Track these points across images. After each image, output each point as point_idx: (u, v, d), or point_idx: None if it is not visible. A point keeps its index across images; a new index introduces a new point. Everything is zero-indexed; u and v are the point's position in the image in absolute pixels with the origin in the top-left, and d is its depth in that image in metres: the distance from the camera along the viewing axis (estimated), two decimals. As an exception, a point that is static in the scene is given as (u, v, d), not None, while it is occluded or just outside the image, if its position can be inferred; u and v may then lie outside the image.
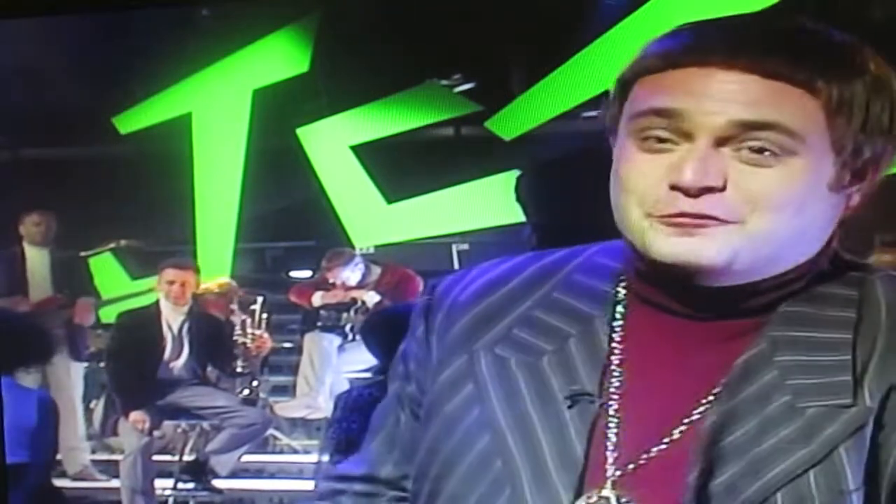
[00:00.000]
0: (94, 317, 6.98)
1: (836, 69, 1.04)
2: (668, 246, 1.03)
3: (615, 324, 1.12)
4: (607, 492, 1.06)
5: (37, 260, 6.81)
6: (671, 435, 1.06)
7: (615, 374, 1.10)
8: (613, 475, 1.07)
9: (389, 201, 7.58)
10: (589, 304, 1.14)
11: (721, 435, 1.05)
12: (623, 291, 1.13)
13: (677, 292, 1.08)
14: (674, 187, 1.03)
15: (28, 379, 5.66)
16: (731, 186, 1.02)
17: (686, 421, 1.06)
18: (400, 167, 7.38)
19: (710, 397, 1.07)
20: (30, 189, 7.17)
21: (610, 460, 1.07)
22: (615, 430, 1.08)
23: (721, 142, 1.02)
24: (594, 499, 1.06)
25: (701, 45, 1.04)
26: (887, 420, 1.04)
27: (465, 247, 7.84)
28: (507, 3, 7.00)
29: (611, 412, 1.09)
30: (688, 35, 1.07)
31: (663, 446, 1.06)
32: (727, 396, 1.06)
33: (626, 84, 1.09)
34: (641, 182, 1.05)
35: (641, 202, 1.05)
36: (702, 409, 1.06)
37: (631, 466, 1.07)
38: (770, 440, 1.03)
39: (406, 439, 1.21)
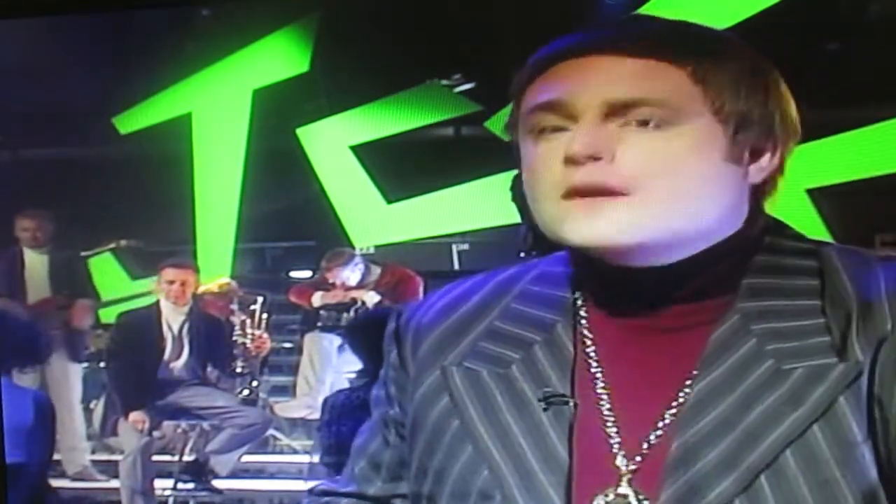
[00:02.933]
0: (93, 319, 6.97)
1: (704, 47, 1.10)
2: (575, 230, 1.08)
3: (582, 323, 1.15)
4: (624, 489, 1.08)
5: (35, 261, 6.81)
6: (664, 420, 1.08)
7: (596, 374, 1.13)
8: (627, 471, 1.08)
9: (389, 201, 7.58)
10: (549, 311, 1.17)
11: (704, 411, 1.06)
12: (580, 295, 1.16)
13: (618, 282, 1.11)
14: (567, 160, 1.07)
15: (26, 379, 5.66)
16: (618, 156, 1.06)
17: (674, 404, 1.09)
18: (400, 167, 7.38)
19: (688, 380, 1.09)
20: (29, 189, 7.16)
21: (619, 458, 1.09)
22: (614, 429, 1.10)
23: (606, 116, 1.07)
24: (611, 497, 1.08)
25: (578, 42, 1.10)
26: (884, 374, 1.06)
27: (465, 247, 7.84)
28: (507, 3, 7.00)
29: (605, 411, 1.11)
30: (565, 40, 1.12)
31: (659, 432, 1.08)
32: (705, 372, 1.08)
33: (519, 93, 1.14)
34: (543, 169, 1.10)
35: (548, 188, 1.09)
36: (686, 390, 1.08)
37: (638, 459, 1.08)
38: (759, 407, 1.05)
39: (393, 460, 1.24)
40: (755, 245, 1.13)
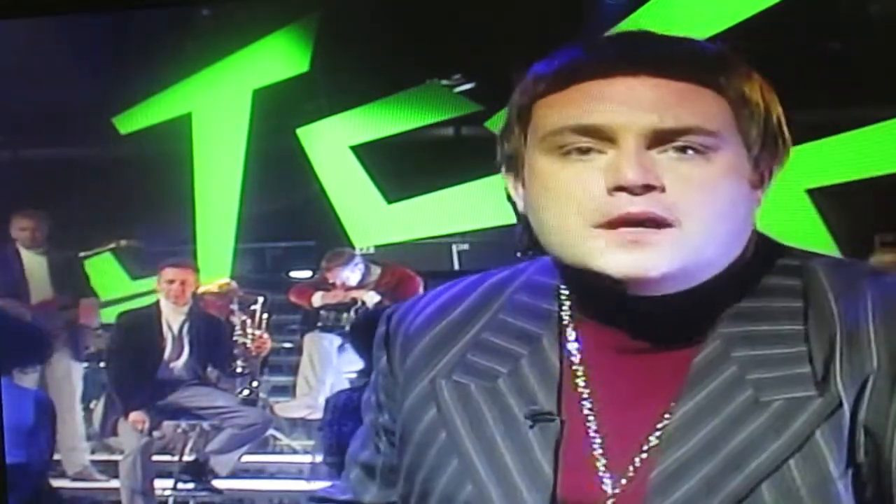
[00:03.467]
0: (98, 317, 6.98)
1: (732, 69, 1.08)
2: (617, 262, 1.03)
3: (569, 339, 1.13)
4: None
5: (33, 261, 6.80)
6: (649, 442, 1.08)
7: (582, 393, 1.11)
8: (612, 494, 1.08)
9: (389, 201, 7.58)
10: (534, 324, 1.15)
11: (687, 435, 1.06)
12: (566, 306, 1.14)
13: (617, 306, 1.09)
14: (617, 188, 1.03)
15: (26, 379, 5.66)
16: (668, 186, 1.03)
17: (659, 427, 1.08)
18: (400, 167, 7.38)
19: (674, 402, 1.08)
20: (29, 189, 7.16)
21: (605, 480, 1.08)
22: (600, 450, 1.09)
23: (648, 143, 1.04)
24: None
25: (599, 58, 1.06)
26: (876, 405, 1.04)
27: (465, 247, 7.84)
28: (507, 3, 6.99)
29: (591, 432, 1.10)
30: (579, 52, 1.08)
31: (644, 455, 1.07)
32: (688, 396, 1.07)
33: (523, 109, 1.10)
34: (578, 189, 1.05)
35: (581, 211, 1.05)
36: (669, 413, 1.07)
37: (623, 482, 1.08)
38: (740, 435, 1.05)
39: (386, 467, 1.24)
40: (748, 267, 1.11)
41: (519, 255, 2.04)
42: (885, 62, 5.84)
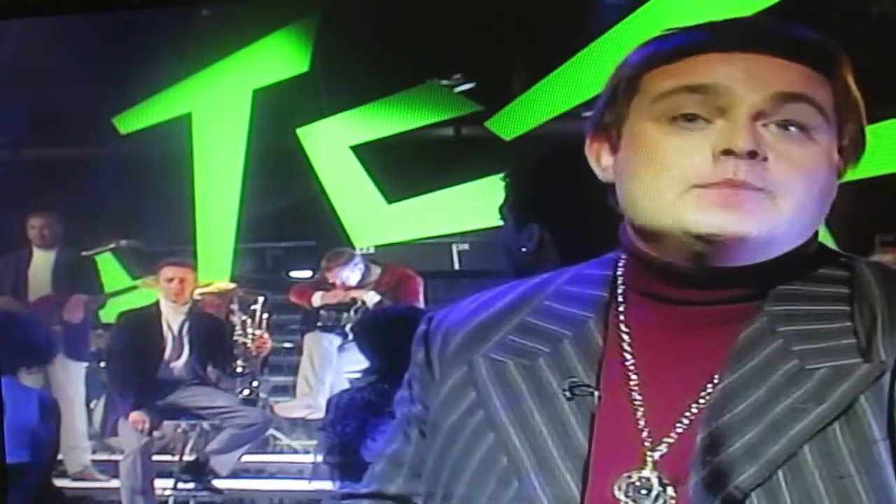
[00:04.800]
0: (84, 314, 6.95)
1: (840, 61, 1.13)
2: (709, 217, 1.07)
3: (620, 324, 1.16)
4: (648, 472, 1.09)
5: (41, 261, 6.82)
6: (690, 411, 1.10)
7: (628, 366, 1.14)
8: (652, 456, 1.10)
9: (389, 201, 7.58)
10: (582, 308, 1.18)
11: (731, 404, 1.08)
12: (620, 293, 1.17)
13: (680, 278, 1.12)
14: (725, 152, 1.06)
15: (29, 379, 5.67)
16: (771, 158, 1.08)
17: (702, 395, 1.10)
18: (400, 167, 7.37)
19: (717, 374, 1.10)
20: (30, 189, 7.17)
21: (646, 443, 1.10)
22: (643, 418, 1.11)
23: (756, 116, 1.07)
24: (634, 478, 1.09)
25: (719, 37, 1.11)
26: None
27: (466, 247, 7.84)
28: (507, 3, 7.00)
29: (635, 404, 1.12)
30: (699, 31, 1.12)
31: (686, 422, 1.10)
32: (733, 368, 1.10)
33: (632, 80, 1.13)
34: (679, 158, 1.08)
35: (681, 177, 1.08)
36: (713, 383, 1.10)
37: (664, 446, 1.10)
38: (783, 402, 1.07)
39: (415, 457, 1.24)
40: (803, 252, 1.15)
41: (524, 250, 2.04)
42: (885, 62, 5.84)
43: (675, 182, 1.08)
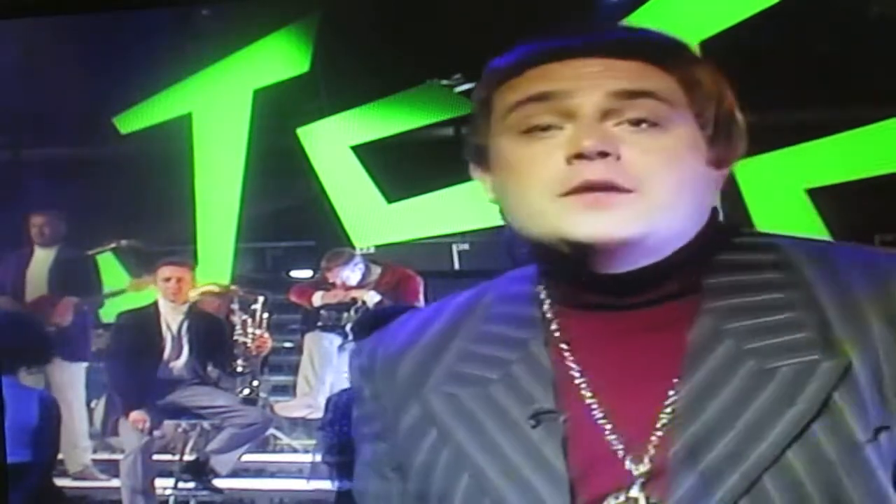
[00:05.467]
0: (73, 316, 6.93)
1: (680, 53, 1.12)
2: (580, 225, 1.07)
3: (556, 336, 1.14)
4: (635, 492, 1.08)
5: (41, 260, 6.82)
6: (661, 419, 1.08)
7: (580, 384, 1.12)
8: (639, 474, 1.08)
9: (389, 201, 7.58)
10: (519, 330, 1.16)
11: (697, 412, 1.07)
12: (549, 309, 1.16)
13: (600, 287, 1.11)
14: (576, 156, 1.07)
15: (30, 379, 5.67)
16: (624, 155, 1.07)
17: (668, 404, 1.08)
18: (400, 167, 7.38)
19: (676, 379, 1.09)
20: (30, 189, 7.17)
21: (627, 462, 1.08)
22: (613, 435, 1.09)
23: (604, 115, 1.08)
24: (622, 499, 1.08)
25: (553, 46, 1.11)
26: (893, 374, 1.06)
27: (466, 247, 7.84)
28: (507, 2, 7.00)
29: (598, 421, 1.10)
30: (534, 45, 1.13)
31: (660, 433, 1.08)
32: (690, 373, 1.08)
33: (484, 102, 1.14)
34: (538, 166, 1.09)
35: (544, 186, 1.08)
36: (674, 390, 1.09)
37: (647, 460, 1.08)
38: (752, 405, 1.06)
39: (397, 495, 1.21)
40: (714, 244, 1.14)
41: (524, 251, 2.05)
42: (884, 62, 5.84)
43: (540, 193, 1.08)
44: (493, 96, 1.13)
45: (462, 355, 1.17)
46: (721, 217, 1.17)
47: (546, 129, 1.09)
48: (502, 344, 1.16)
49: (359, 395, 1.24)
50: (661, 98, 1.08)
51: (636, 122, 1.08)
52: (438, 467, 1.14)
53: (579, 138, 1.07)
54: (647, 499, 1.07)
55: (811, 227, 6.16)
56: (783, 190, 6.29)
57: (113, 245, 7.61)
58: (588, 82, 1.08)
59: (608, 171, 1.06)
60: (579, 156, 1.07)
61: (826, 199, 6.27)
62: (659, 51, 1.11)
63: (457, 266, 7.80)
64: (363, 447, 1.24)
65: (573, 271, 1.12)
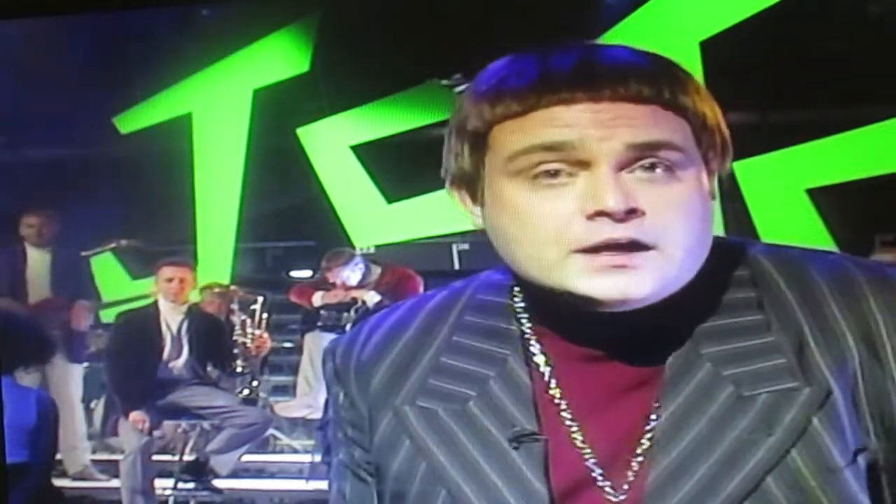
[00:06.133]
0: (91, 320, 6.96)
1: (685, 85, 1.06)
2: (598, 284, 1.02)
3: (534, 354, 1.12)
4: None
5: (37, 260, 6.81)
6: (641, 445, 1.07)
7: (559, 405, 1.10)
8: (618, 500, 1.07)
9: (389, 201, 7.59)
10: (497, 345, 1.13)
11: (675, 439, 1.05)
12: (526, 325, 1.13)
13: (582, 322, 1.07)
14: (598, 214, 1.01)
15: (28, 379, 5.67)
16: (647, 210, 1.02)
17: (647, 429, 1.07)
18: (400, 167, 7.38)
19: (656, 403, 1.07)
20: (30, 189, 7.17)
21: (606, 490, 1.08)
22: (593, 460, 1.08)
23: (619, 167, 1.02)
24: None
25: (556, 82, 1.04)
26: (872, 397, 1.05)
27: (466, 247, 7.84)
28: (507, 2, 7.00)
29: (578, 444, 1.09)
30: (533, 74, 1.05)
31: (640, 458, 1.07)
32: (669, 398, 1.07)
33: (478, 135, 1.07)
34: (551, 221, 1.03)
35: (558, 238, 1.03)
36: (654, 416, 1.07)
37: (626, 487, 1.07)
38: (732, 433, 1.05)
39: (374, 496, 1.20)
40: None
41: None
42: (885, 62, 5.84)
43: (553, 246, 1.03)
44: (491, 132, 1.06)
45: (436, 368, 1.14)
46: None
47: (555, 174, 1.03)
48: (478, 358, 1.13)
49: (334, 398, 1.22)
50: (677, 147, 1.04)
51: (650, 168, 1.03)
52: (417, 477, 1.13)
53: (602, 195, 1.01)
54: None
55: (811, 227, 6.16)
56: (783, 190, 6.29)
57: (113, 245, 7.61)
58: (603, 132, 1.02)
59: (632, 229, 1.01)
60: (601, 213, 1.01)
61: (826, 199, 6.27)
62: (669, 91, 1.05)
63: (457, 266, 7.80)
64: (340, 449, 1.23)
65: (565, 313, 1.08)
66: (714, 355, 1.07)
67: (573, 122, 1.02)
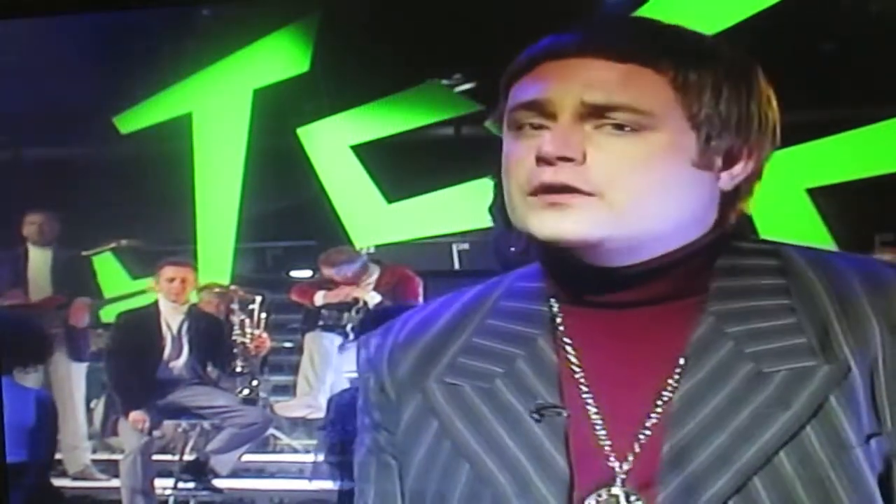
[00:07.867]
0: (89, 318, 6.96)
1: (683, 51, 1.11)
2: (540, 222, 1.10)
3: (561, 331, 1.16)
4: (616, 489, 1.09)
5: (38, 259, 6.82)
6: (650, 419, 1.10)
7: (580, 380, 1.13)
8: (621, 472, 1.09)
9: (389, 201, 7.58)
10: (527, 325, 1.17)
11: (692, 411, 1.08)
12: (555, 306, 1.17)
13: (593, 283, 1.13)
14: (538, 160, 1.09)
15: (28, 379, 5.67)
16: (590, 159, 1.08)
17: (659, 403, 1.10)
18: (400, 167, 7.38)
19: (675, 377, 1.10)
20: (30, 189, 7.17)
21: (611, 459, 1.10)
22: (603, 431, 1.11)
23: (582, 118, 1.09)
24: (604, 497, 1.09)
25: (559, 43, 1.13)
26: (892, 382, 1.08)
27: (466, 247, 7.84)
28: (507, 2, 7.00)
29: (593, 417, 1.12)
30: (549, 39, 1.15)
31: (648, 432, 1.10)
32: (688, 373, 1.10)
33: (505, 89, 1.17)
34: (517, 164, 1.12)
35: (517, 183, 1.12)
36: (669, 390, 1.10)
37: (630, 458, 1.09)
38: (747, 408, 1.07)
39: (397, 480, 1.22)
40: (720, 248, 1.14)
41: (513, 249, 2.04)
42: (885, 62, 5.84)
43: (515, 189, 1.12)
44: (509, 90, 1.16)
45: (466, 348, 1.18)
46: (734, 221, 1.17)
47: (538, 127, 1.11)
48: (508, 339, 1.17)
49: (364, 385, 1.25)
50: (634, 109, 1.08)
51: (619, 126, 1.08)
52: (439, 462, 1.15)
53: (544, 142, 1.09)
54: (628, 496, 1.08)
55: (811, 227, 6.16)
56: (783, 190, 6.29)
57: (113, 245, 7.62)
58: (564, 88, 1.10)
59: (563, 174, 1.08)
60: (541, 159, 1.09)
61: (826, 199, 6.27)
62: (652, 49, 1.10)
63: (457, 266, 7.80)
64: (364, 435, 1.25)
65: (560, 263, 1.14)
66: (738, 334, 1.10)
67: (552, 79, 1.11)
